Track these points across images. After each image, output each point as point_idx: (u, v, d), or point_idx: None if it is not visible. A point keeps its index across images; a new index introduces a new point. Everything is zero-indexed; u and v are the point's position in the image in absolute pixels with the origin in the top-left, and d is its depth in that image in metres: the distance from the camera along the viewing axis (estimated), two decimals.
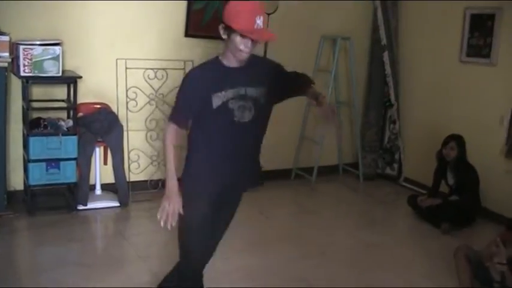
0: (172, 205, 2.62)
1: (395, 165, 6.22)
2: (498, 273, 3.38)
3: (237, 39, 2.51)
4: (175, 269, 3.02)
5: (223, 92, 2.60)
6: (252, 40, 2.52)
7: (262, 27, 2.52)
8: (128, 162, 5.12)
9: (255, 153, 2.88)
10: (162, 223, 2.60)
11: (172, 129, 2.68)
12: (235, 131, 2.67)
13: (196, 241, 2.82)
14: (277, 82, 2.75)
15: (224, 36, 2.57)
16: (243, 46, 2.52)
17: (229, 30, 2.52)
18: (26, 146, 4.54)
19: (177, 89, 5.37)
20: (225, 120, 2.64)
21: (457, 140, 4.94)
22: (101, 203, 4.87)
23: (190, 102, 2.64)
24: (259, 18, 2.50)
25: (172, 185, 2.66)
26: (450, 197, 5.00)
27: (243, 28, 2.47)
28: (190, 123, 2.71)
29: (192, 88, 2.64)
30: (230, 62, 2.62)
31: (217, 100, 2.60)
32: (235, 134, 2.68)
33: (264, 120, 2.80)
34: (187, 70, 5.21)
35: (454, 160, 4.96)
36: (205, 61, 2.72)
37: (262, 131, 2.83)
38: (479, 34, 5.23)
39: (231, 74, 2.63)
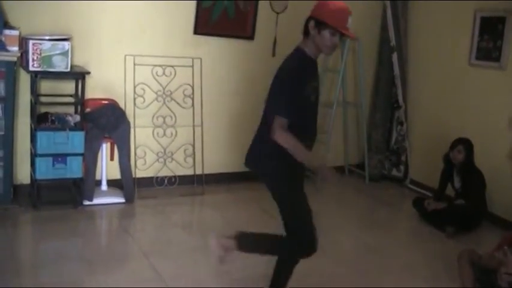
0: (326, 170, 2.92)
1: (402, 167, 6.21)
2: (506, 283, 3.33)
3: (328, 35, 2.79)
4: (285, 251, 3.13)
5: (312, 82, 2.90)
6: (342, 36, 2.82)
7: (349, 26, 2.83)
8: (134, 158, 5.14)
9: None
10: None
11: (282, 124, 2.78)
12: (313, 114, 3.00)
13: (307, 213, 3.01)
14: None
15: (313, 32, 2.82)
16: (332, 42, 2.81)
17: (321, 26, 2.78)
18: (33, 140, 4.56)
19: (186, 85, 5.40)
20: (310, 104, 2.93)
21: (465, 143, 4.92)
22: (107, 198, 4.89)
23: (297, 94, 2.82)
24: (350, 18, 2.83)
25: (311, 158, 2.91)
26: (456, 201, 4.98)
27: (339, 26, 2.77)
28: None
29: (298, 80, 2.82)
30: (313, 54, 2.89)
31: (309, 89, 2.87)
32: (313, 117, 3.01)
33: None
34: (195, 68, 5.26)
35: (461, 164, 4.94)
36: (292, 53, 2.93)
37: None
38: (489, 37, 5.20)
39: (315, 65, 2.95)
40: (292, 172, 2.94)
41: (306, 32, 2.87)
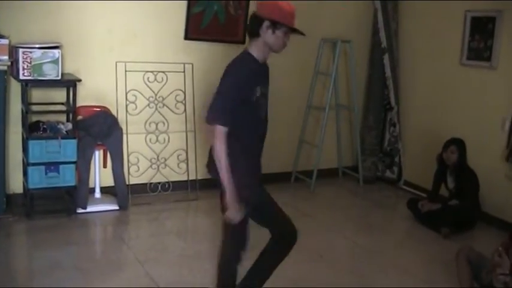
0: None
1: (395, 169, 6.21)
2: (501, 284, 3.31)
3: (281, 35, 2.79)
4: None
5: (258, 87, 2.81)
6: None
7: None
8: (128, 165, 5.11)
9: None
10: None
11: (222, 133, 2.70)
12: (262, 128, 2.95)
13: (246, 233, 3.03)
14: None
15: (266, 32, 2.77)
16: (285, 41, 2.83)
17: (275, 26, 2.76)
18: (25, 149, 4.53)
19: (178, 91, 5.38)
20: (257, 117, 2.87)
21: (458, 143, 4.93)
22: (101, 206, 4.86)
23: (238, 98, 2.76)
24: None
25: (233, 200, 2.77)
26: (450, 201, 4.98)
27: (293, 25, 2.80)
28: None
29: (244, 84, 2.77)
30: (261, 57, 2.84)
31: (254, 96, 2.79)
32: (263, 131, 2.96)
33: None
34: (187, 73, 5.25)
35: (455, 164, 4.94)
36: (239, 56, 2.87)
37: None
38: (480, 37, 5.22)
39: (262, 70, 2.88)
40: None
41: (254, 33, 2.80)
